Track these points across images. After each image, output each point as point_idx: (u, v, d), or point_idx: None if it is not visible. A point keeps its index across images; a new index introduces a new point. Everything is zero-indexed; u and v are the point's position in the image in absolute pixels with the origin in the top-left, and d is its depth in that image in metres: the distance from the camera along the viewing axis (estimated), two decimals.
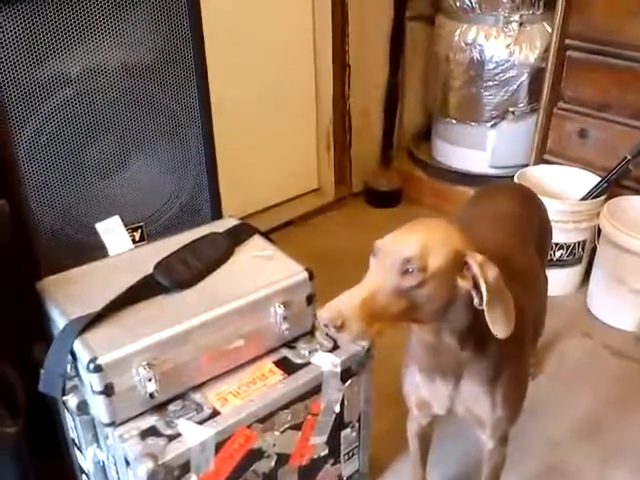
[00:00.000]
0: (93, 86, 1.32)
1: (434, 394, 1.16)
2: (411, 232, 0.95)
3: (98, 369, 1.06)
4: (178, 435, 1.11)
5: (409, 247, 0.91)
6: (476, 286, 0.94)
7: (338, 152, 2.82)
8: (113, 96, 1.35)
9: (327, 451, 1.39)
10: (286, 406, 1.24)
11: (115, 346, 1.09)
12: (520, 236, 1.36)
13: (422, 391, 1.18)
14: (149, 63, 1.38)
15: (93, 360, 1.06)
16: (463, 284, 0.94)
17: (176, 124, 1.46)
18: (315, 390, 1.28)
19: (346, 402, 1.35)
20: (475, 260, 0.93)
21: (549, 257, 1.91)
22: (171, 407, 1.17)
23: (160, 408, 1.16)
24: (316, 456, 1.37)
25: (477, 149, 2.70)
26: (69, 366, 1.14)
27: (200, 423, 1.14)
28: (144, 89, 1.39)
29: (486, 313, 0.94)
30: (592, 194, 2.18)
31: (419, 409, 1.24)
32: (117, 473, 1.17)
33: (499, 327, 0.95)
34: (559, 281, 2.19)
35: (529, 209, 1.49)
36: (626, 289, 2.02)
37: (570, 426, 1.74)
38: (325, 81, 2.65)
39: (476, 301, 0.95)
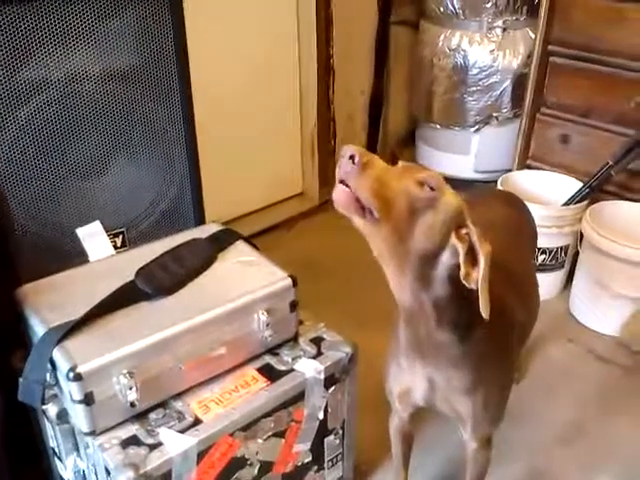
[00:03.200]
0: (74, 90, 1.31)
1: (415, 379, 1.13)
2: (446, 183, 0.93)
3: (78, 378, 1.04)
4: (159, 444, 1.09)
5: (440, 177, 0.90)
6: (469, 256, 0.91)
7: (323, 156, 2.82)
8: (94, 101, 1.34)
9: (311, 458, 1.38)
10: (269, 413, 1.23)
11: (95, 354, 1.07)
12: (514, 243, 1.36)
13: (403, 379, 1.16)
14: (131, 69, 1.37)
15: (72, 369, 1.04)
16: (456, 242, 0.90)
17: (158, 129, 1.45)
18: (298, 397, 1.27)
19: (330, 409, 1.35)
20: (475, 229, 0.92)
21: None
22: (152, 416, 1.15)
23: (141, 417, 1.14)
24: (300, 463, 1.36)
25: (461, 154, 2.71)
26: (48, 375, 1.12)
27: (182, 432, 1.12)
28: (125, 94, 1.38)
29: (480, 285, 0.91)
30: (575, 199, 2.19)
31: (400, 400, 1.21)
32: None
33: (485, 305, 0.91)
34: (542, 286, 2.17)
35: (519, 215, 1.50)
36: (608, 294, 2.04)
37: (553, 431, 1.74)
38: (310, 85, 2.65)
39: (463, 272, 0.90)
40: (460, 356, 1.06)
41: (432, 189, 0.88)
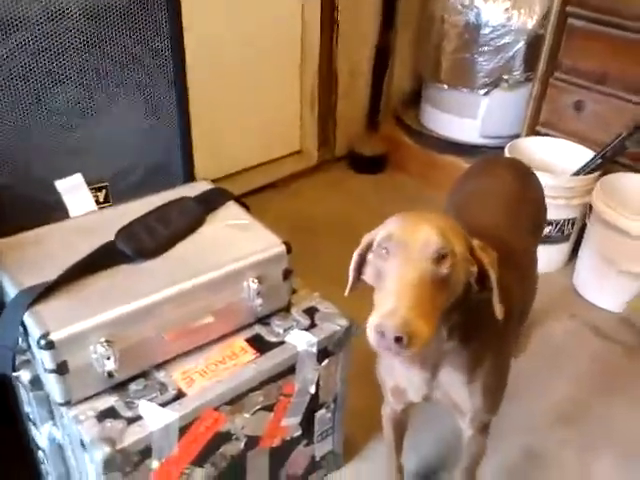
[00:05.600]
0: (52, 29, 1.18)
1: (410, 381, 1.10)
2: (423, 221, 0.88)
3: (50, 346, 0.96)
4: (139, 418, 1.02)
5: (434, 235, 0.86)
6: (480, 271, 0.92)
7: (322, 113, 2.70)
8: (75, 41, 1.22)
9: (300, 432, 1.32)
10: (258, 387, 1.16)
11: (70, 320, 0.99)
12: (515, 215, 1.30)
13: (398, 378, 1.12)
14: (114, 5, 1.24)
15: (44, 336, 0.96)
16: (473, 268, 0.91)
17: (145, 74, 1.33)
18: (289, 370, 1.20)
19: (322, 383, 1.28)
20: (479, 245, 0.92)
21: None
22: (132, 386, 1.07)
23: (120, 387, 1.07)
24: (288, 437, 1.30)
25: (468, 117, 2.59)
26: (21, 339, 1.04)
27: (163, 405, 1.05)
28: (109, 34, 1.25)
29: (494, 295, 0.93)
30: (585, 170, 2.10)
31: (394, 396, 1.17)
32: (73, 454, 1.08)
33: (500, 309, 0.93)
34: (546, 258, 2.09)
35: (525, 186, 1.41)
36: (614, 270, 1.96)
37: (551, 410, 1.69)
38: (312, 37, 2.51)
39: (475, 287, 0.92)
40: (463, 356, 1.03)
41: (444, 256, 0.85)
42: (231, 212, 1.30)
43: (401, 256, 0.85)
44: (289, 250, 1.21)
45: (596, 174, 2.07)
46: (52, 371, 0.98)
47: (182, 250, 1.18)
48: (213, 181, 1.40)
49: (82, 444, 1.00)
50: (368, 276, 0.96)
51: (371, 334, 0.81)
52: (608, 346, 1.92)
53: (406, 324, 0.77)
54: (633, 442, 1.61)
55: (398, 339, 0.77)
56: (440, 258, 0.85)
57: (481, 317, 1.00)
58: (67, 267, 1.06)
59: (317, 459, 1.42)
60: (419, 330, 0.79)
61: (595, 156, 2.09)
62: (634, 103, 2.06)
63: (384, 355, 0.93)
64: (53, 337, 0.96)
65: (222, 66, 2.26)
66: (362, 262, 0.97)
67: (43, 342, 0.96)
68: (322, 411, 1.33)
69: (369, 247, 0.95)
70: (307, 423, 1.32)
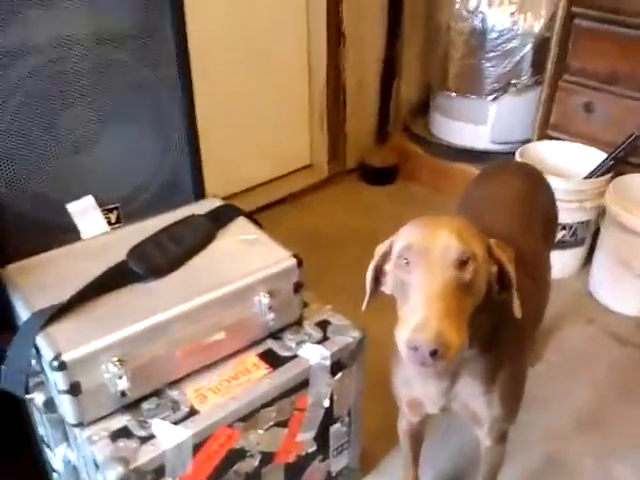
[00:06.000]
0: (62, 55, 1.20)
1: (427, 393, 1.08)
2: (440, 226, 0.87)
3: (62, 367, 0.97)
4: (152, 437, 1.02)
5: (454, 240, 0.84)
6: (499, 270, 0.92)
7: (332, 127, 2.70)
8: (85, 66, 1.23)
9: (315, 447, 1.31)
10: (271, 402, 1.15)
11: (82, 341, 1.00)
12: (526, 220, 1.28)
13: (414, 390, 1.10)
14: (124, 32, 1.26)
15: (57, 357, 0.97)
16: (494, 268, 0.91)
17: (154, 96, 1.34)
18: (302, 384, 1.20)
19: (336, 396, 1.27)
20: (496, 244, 0.91)
21: None
22: (145, 405, 1.08)
23: (133, 407, 1.07)
24: (304, 453, 1.29)
25: (477, 124, 2.58)
26: (34, 361, 1.05)
27: (176, 423, 1.05)
28: (119, 59, 1.27)
29: (514, 294, 0.92)
30: (597, 172, 2.08)
31: (410, 408, 1.16)
32: (88, 475, 1.09)
33: (518, 307, 0.92)
34: (560, 263, 2.08)
35: (536, 191, 1.40)
36: (631, 273, 1.94)
37: (571, 416, 1.66)
38: (319, 51, 2.52)
39: (496, 287, 0.92)
40: (482, 364, 1.02)
41: (466, 261, 0.84)
42: (241, 227, 1.30)
43: (423, 265, 0.83)
44: (300, 263, 1.21)
45: (609, 176, 2.05)
46: (65, 392, 0.99)
47: (193, 267, 1.18)
48: (224, 199, 1.41)
49: (95, 464, 1.00)
50: (388, 287, 0.94)
51: (403, 349, 0.79)
52: (626, 351, 1.89)
53: (439, 335, 0.76)
54: None
55: (433, 352, 0.76)
56: (463, 263, 0.84)
57: (500, 322, 0.99)
58: (79, 288, 1.07)
59: (333, 474, 1.40)
60: (452, 340, 0.77)
61: (607, 157, 2.08)
62: None
63: (416, 369, 0.91)
64: (65, 358, 0.97)
65: (231, 90, 2.28)
66: (378, 274, 0.96)
67: (55, 363, 0.96)
68: (337, 425, 1.32)
69: (385, 258, 0.94)
70: (322, 438, 1.31)
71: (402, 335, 0.80)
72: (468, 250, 0.84)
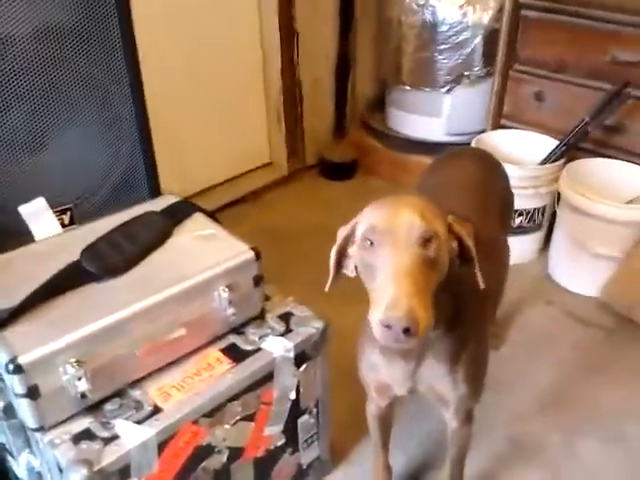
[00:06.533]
0: (2, 53, 1.17)
1: (394, 375, 1.09)
2: (402, 206, 0.88)
3: (19, 370, 0.94)
4: (115, 437, 1.01)
5: (417, 218, 0.85)
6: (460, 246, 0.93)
7: (289, 124, 2.70)
8: (26, 64, 1.20)
9: (284, 440, 1.30)
10: (236, 397, 1.15)
11: (38, 343, 0.97)
12: (482, 204, 1.30)
13: (380, 373, 1.11)
14: (66, 26, 1.23)
15: (13, 360, 0.94)
16: (454, 244, 0.92)
17: (103, 95, 1.32)
18: (267, 378, 1.19)
19: (302, 388, 1.27)
20: (454, 220, 0.92)
21: None
22: (107, 407, 1.06)
23: (95, 408, 1.05)
24: (273, 446, 1.29)
25: (432, 116, 2.61)
26: None
27: (140, 422, 1.03)
28: (62, 56, 1.24)
29: (475, 265, 0.93)
30: (551, 158, 2.12)
31: (378, 392, 1.17)
32: None
33: (481, 278, 0.94)
34: (519, 248, 2.12)
35: (491, 175, 1.42)
36: (587, 253, 1.98)
37: (535, 398, 1.69)
38: (272, 49, 2.52)
39: (457, 262, 0.93)
40: (447, 345, 1.03)
41: (429, 238, 0.85)
42: (198, 223, 1.29)
43: (388, 245, 0.84)
44: (258, 256, 1.20)
45: (562, 161, 2.10)
46: (23, 396, 0.96)
47: (150, 264, 1.17)
48: (185, 199, 1.39)
49: (59, 468, 0.98)
50: (351, 270, 0.95)
51: (377, 329, 0.80)
52: (586, 330, 1.93)
53: (411, 311, 0.77)
54: (616, 423, 1.62)
55: (406, 330, 0.77)
56: (426, 241, 0.85)
57: (461, 302, 1.00)
58: (31, 290, 1.04)
59: (304, 467, 1.40)
60: (422, 317, 0.79)
61: (560, 143, 2.12)
62: (594, 89, 2.09)
63: (391, 346, 0.91)
64: (21, 361, 0.94)
65: (186, 89, 2.26)
66: (341, 257, 0.96)
67: (11, 367, 0.94)
68: (305, 417, 1.32)
69: (347, 241, 0.94)
70: (291, 431, 1.30)
71: (375, 315, 0.80)
72: (431, 228, 0.85)
